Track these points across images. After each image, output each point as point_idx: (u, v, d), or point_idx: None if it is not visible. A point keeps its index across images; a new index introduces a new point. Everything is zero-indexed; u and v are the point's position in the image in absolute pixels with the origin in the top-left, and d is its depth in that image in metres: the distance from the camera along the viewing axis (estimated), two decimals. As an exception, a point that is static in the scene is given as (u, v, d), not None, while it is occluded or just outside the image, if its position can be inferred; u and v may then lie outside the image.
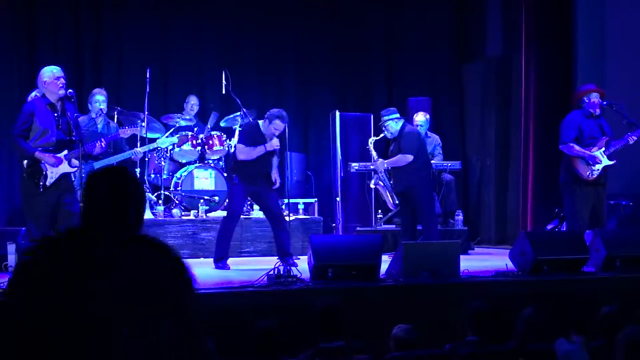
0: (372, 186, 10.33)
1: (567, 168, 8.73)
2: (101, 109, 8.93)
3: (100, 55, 11.48)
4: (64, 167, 7.04)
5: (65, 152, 7.04)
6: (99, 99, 8.96)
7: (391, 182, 9.86)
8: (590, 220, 8.61)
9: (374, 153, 9.74)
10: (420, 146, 9.28)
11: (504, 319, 5.51)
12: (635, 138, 8.61)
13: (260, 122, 8.56)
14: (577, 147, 8.60)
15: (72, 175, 7.13)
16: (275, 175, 8.54)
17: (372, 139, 9.86)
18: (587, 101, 8.74)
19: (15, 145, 7.05)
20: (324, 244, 7.05)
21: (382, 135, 9.50)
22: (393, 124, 9.21)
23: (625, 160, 9.02)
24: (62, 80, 7.08)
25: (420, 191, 9.07)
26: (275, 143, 8.41)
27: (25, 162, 7.04)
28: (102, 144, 8.09)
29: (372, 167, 9.91)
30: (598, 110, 8.74)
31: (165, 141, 9.72)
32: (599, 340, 5.29)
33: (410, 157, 9.03)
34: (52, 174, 6.98)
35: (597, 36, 10.95)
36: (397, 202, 9.83)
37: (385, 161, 9.29)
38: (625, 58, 10.65)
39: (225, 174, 10.53)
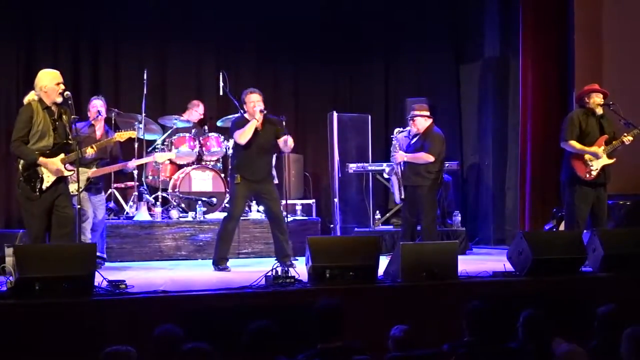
0: (385, 176, 10.28)
1: (567, 168, 8.74)
2: (99, 112, 8.92)
3: (98, 57, 11.47)
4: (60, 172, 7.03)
5: (62, 155, 7.02)
6: (97, 104, 8.97)
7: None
8: (591, 220, 8.61)
9: (397, 144, 9.65)
10: (441, 150, 9.27)
11: (502, 319, 5.51)
12: (630, 139, 8.61)
13: (246, 115, 8.56)
14: (577, 145, 8.60)
15: (67, 178, 7.12)
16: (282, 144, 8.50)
17: (398, 130, 9.81)
18: (588, 100, 8.76)
19: (17, 150, 7.00)
20: (322, 245, 7.04)
21: (408, 128, 9.49)
22: (422, 121, 9.24)
23: (623, 160, 9.01)
24: (62, 86, 7.05)
25: (426, 192, 9.09)
26: (257, 110, 8.37)
27: (21, 166, 7.02)
28: (94, 149, 7.93)
29: (386, 169, 9.87)
30: (599, 110, 8.74)
31: (163, 156, 9.73)
32: (597, 340, 5.30)
33: (431, 158, 9.06)
34: (49, 177, 6.96)
35: (594, 37, 10.95)
36: (402, 197, 9.80)
37: (406, 155, 9.28)
38: (622, 59, 10.66)
39: (222, 175, 10.54)
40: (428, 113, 9.32)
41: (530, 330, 5.20)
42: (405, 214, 9.44)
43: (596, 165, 8.55)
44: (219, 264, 8.36)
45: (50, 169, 6.94)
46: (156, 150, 10.62)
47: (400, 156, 9.38)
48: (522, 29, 11.14)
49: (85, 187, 8.37)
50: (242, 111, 8.72)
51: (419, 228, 9.32)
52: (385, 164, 10.48)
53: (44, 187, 6.95)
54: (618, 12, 10.83)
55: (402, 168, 9.43)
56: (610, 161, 8.62)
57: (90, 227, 8.64)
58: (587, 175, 8.54)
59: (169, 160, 10.61)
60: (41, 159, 6.92)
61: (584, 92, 8.91)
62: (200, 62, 12.01)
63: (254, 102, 8.43)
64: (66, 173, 7.04)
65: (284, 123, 8.76)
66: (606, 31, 10.91)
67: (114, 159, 8.92)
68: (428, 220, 9.16)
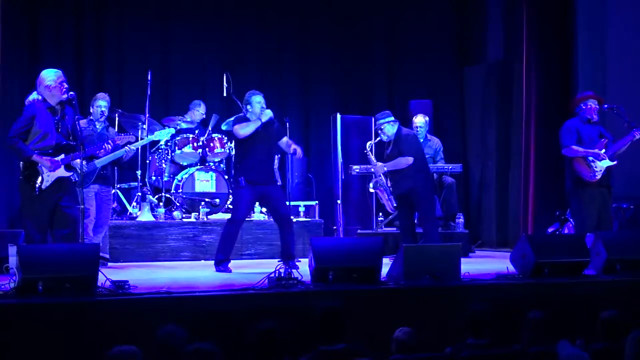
0: (371, 190, 10.30)
1: (570, 173, 8.76)
2: (102, 112, 8.92)
3: (102, 58, 11.50)
4: (60, 171, 7.01)
5: (63, 155, 7.02)
6: (102, 104, 8.92)
7: (389, 185, 9.82)
8: (597, 223, 8.61)
9: (372, 157, 9.71)
10: (418, 148, 9.29)
11: (505, 321, 5.51)
12: None
13: (248, 115, 8.54)
14: (579, 148, 8.63)
15: (72, 177, 7.12)
16: (293, 146, 8.51)
17: (369, 143, 9.85)
18: (584, 107, 8.79)
19: (12, 146, 7.00)
20: (324, 247, 7.03)
21: (378, 138, 9.48)
22: (389, 127, 9.17)
23: (626, 163, 9.02)
24: (65, 85, 7.06)
25: (421, 193, 9.05)
26: (267, 112, 8.34)
27: (21, 164, 7.02)
28: (110, 145, 8.14)
29: (372, 170, 9.89)
30: (595, 117, 8.78)
31: (162, 133, 9.60)
32: (600, 343, 5.30)
33: (410, 160, 9.01)
34: (49, 177, 6.95)
35: (598, 39, 10.95)
36: (395, 205, 9.79)
37: (385, 165, 9.25)
38: (626, 61, 10.66)
39: (226, 177, 10.54)
40: (392, 118, 9.24)
41: (535, 333, 5.20)
42: (403, 220, 9.38)
43: (599, 167, 8.58)
44: (221, 264, 8.35)
45: (45, 165, 6.93)
46: (160, 150, 10.64)
47: (380, 168, 9.36)
48: (525, 31, 11.14)
49: (95, 178, 8.40)
50: (244, 113, 8.71)
51: (419, 230, 9.31)
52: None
53: (43, 186, 6.94)
54: (622, 14, 10.83)
55: (388, 180, 9.39)
56: (613, 163, 8.64)
57: (93, 226, 8.65)
58: (592, 176, 8.56)
59: (173, 160, 10.63)
60: (35, 156, 6.91)
61: (578, 100, 8.94)
62: (204, 64, 12.03)
63: (261, 102, 8.44)
64: (65, 173, 7.02)
65: (287, 125, 8.77)
66: (610, 33, 10.91)
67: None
68: (428, 221, 9.12)
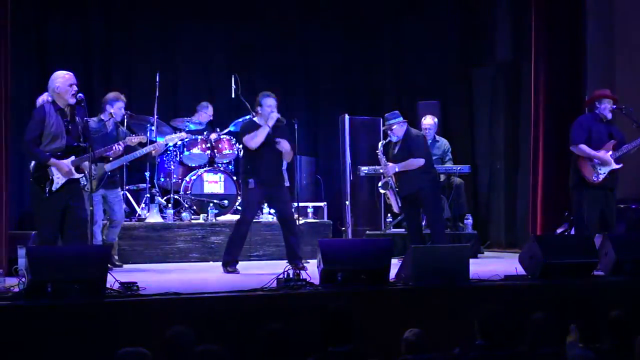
0: (382, 191, 10.28)
1: (574, 171, 8.76)
2: (113, 114, 8.91)
3: (110, 60, 11.52)
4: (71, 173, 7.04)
5: (73, 157, 7.03)
6: (121, 106, 8.98)
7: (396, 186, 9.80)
8: (600, 224, 8.60)
9: (383, 157, 9.69)
10: (426, 149, 9.29)
11: (514, 322, 5.50)
12: None
13: (255, 118, 8.59)
14: (587, 149, 8.62)
15: (81, 179, 7.13)
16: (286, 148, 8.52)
17: (381, 143, 9.85)
18: (598, 105, 8.79)
19: (28, 151, 7.03)
20: (333, 248, 7.04)
21: (388, 139, 9.46)
22: (399, 127, 9.17)
23: (634, 164, 9.00)
24: (75, 87, 7.07)
25: (427, 194, 9.04)
26: (274, 116, 8.38)
27: (32, 167, 7.04)
28: (121, 147, 8.17)
29: (382, 170, 9.86)
30: (609, 115, 8.77)
31: (174, 137, 9.69)
32: (609, 344, 5.29)
33: (422, 161, 9.02)
34: (58, 179, 6.96)
35: (607, 41, 10.92)
36: (400, 206, 9.76)
37: (397, 165, 9.23)
38: (635, 62, 10.63)
39: (234, 178, 10.55)
40: (401, 118, 9.23)
41: (536, 335, 5.20)
42: (409, 221, 9.36)
43: (604, 170, 8.57)
44: (229, 266, 8.37)
45: (62, 169, 6.95)
46: (168, 152, 10.65)
47: (391, 168, 9.31)
48: (533, 30, 11.08)
49: (104, 183, 8.42)
50: (252, 114, 8.73)
51: (427, 231, 9.30)
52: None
53: (53, 188, 6.95)
54: (631, 13, 10.80)
55: (394, 181, 9.37)
56: (618, 166, 8.63)
57: (112, 227, 8.69)
58: (595, 178, 8.55)
59: (181, 162, 10.65)
60: (52, 160, 6.93)
61: (594, 97, 8.93)
62: (211, 65, 12.04)
63: (272, 106, 8.47)
64: (76, 175, 7.04)
65: (295, 126, 8.79)
66: (619, 32, 10.88)
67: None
68: (435, 221, 9.11)
